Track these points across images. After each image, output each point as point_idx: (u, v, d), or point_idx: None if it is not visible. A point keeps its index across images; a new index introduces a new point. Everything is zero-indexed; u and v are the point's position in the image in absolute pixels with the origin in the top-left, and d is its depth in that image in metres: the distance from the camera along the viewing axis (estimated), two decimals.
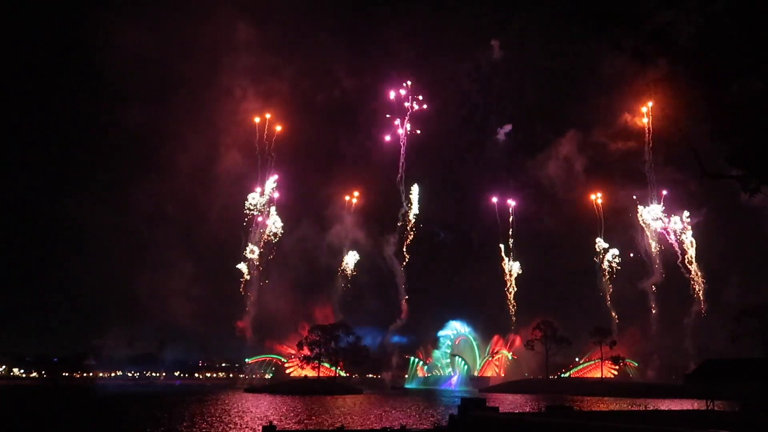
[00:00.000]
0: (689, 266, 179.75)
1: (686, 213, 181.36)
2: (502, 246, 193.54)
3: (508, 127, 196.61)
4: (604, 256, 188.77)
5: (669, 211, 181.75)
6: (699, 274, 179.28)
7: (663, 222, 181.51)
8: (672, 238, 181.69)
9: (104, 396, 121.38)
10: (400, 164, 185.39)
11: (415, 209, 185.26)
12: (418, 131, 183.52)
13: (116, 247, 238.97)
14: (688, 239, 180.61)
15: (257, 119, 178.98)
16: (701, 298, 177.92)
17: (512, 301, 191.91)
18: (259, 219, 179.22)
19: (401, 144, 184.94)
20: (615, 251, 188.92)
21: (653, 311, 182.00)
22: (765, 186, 20.81)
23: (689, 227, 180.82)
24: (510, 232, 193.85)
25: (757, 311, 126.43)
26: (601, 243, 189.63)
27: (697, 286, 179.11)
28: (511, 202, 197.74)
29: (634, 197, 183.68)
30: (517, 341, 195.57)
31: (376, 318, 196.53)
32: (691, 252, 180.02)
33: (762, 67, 18.69)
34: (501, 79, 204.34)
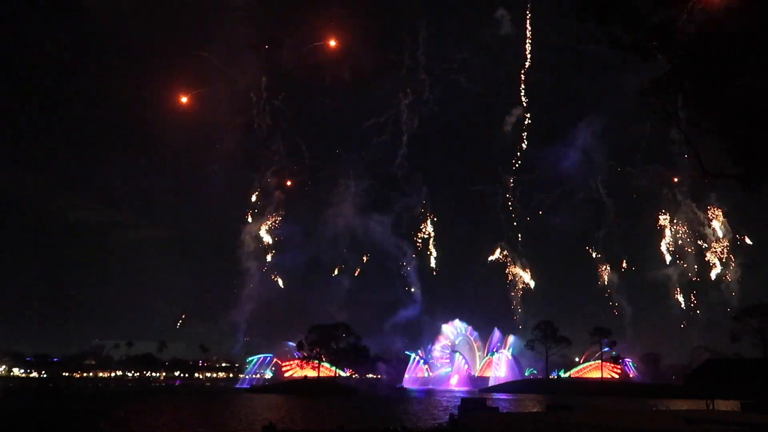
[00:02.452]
0: (718, 256, 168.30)
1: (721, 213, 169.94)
2: (505, 243, 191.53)
3: (517, 112, 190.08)
4: (603, 266, 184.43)
5: (700, 195, 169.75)
6: (724, 265, 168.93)
7: (691, 208, 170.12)
8: (700, 226, 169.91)
9: (75, 396, 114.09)
10: (401, 152, 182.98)
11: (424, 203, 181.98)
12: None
13: (115, 246, 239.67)
14: (717, 227, 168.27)
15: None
16: (732, 291, 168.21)
17: (517, 300, 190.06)
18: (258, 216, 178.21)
19: (403, 129, 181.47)
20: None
21: (681, 305, 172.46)
22: (765, 185, 20.78)
23: (720, 215, 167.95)
24: (517, 226, 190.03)
25: (757, 311, 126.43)
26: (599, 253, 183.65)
27: (724, 279, 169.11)
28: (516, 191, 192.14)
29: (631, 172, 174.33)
30: (509, 340, 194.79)
31: (382, 308, 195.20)
32: (719, 239, 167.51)
33: (763, 66, 18.65)
34: (510, 57, 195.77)
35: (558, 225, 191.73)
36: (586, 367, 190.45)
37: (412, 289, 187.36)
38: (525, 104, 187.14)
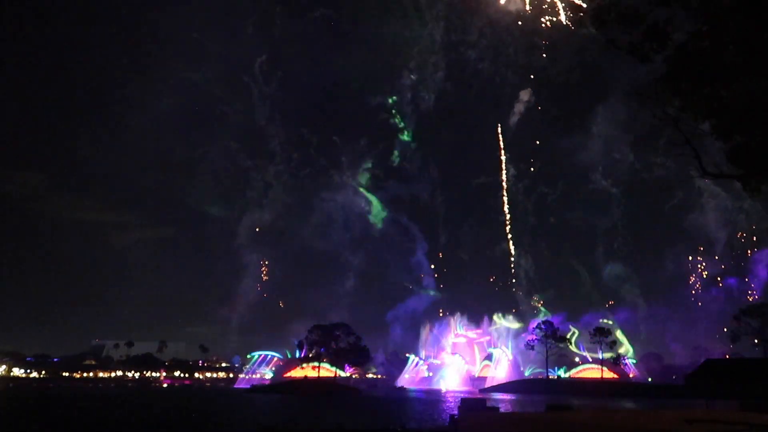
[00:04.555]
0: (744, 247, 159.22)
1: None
2: (509, 239, 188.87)
3: (525, 96, 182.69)
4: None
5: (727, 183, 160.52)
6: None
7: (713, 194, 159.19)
8: (727, 213, 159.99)
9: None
10: (406, 138, 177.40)
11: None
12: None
13: (115, 246, 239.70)
14: (743, 214, 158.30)
15: None
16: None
17: (520, 296, 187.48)
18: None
19: (407, 112, 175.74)
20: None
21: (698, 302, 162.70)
22: (765, 185, 20.78)
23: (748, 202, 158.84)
24: (521, 220, 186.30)
25: (757, 311, 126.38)
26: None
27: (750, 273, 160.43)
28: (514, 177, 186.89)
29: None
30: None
31: (386, 301, 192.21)
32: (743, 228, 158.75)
33: (763, 67, 18.63)
34: (518, 36, 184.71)
35: (564, 218, 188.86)
36: (587, 368, 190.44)
37: (424, 279, 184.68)
38: (534, 87, 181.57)
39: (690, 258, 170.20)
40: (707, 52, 17.99)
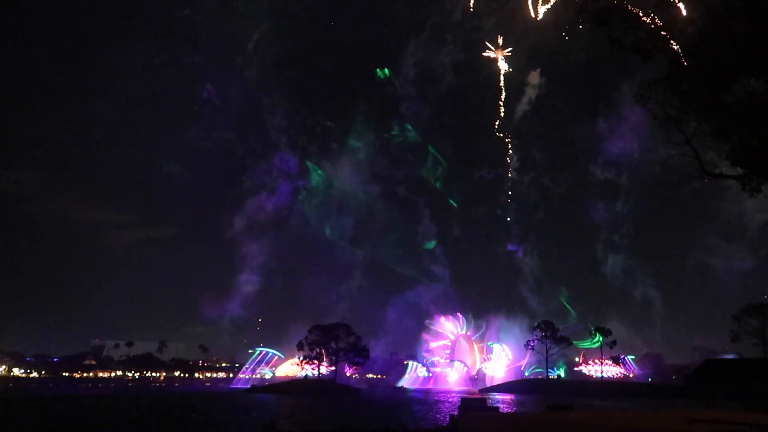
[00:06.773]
0: None
1: None
2: (512, 234, 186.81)
3: (535, 78, 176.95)
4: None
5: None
6: None
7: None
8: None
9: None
10: (410, 124, 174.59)
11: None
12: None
13: (115, 246, 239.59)
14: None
15: None
16: None
17: (524, 293, 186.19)
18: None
19: (410, 92, 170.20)
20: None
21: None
22: (765, 185, 20.74)
23: None
24: (525, 215, 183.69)
25: (757, 311, 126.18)
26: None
27: None
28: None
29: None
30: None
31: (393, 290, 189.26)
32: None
33: (762, 67, 18.60)
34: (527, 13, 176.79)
35: (572, 211, 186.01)
36: (586, 367, 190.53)
37: (436, 269, 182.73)
38: (544, 69, 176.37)
39: (716, 248, 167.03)
40: (708, 53, 17.98)
